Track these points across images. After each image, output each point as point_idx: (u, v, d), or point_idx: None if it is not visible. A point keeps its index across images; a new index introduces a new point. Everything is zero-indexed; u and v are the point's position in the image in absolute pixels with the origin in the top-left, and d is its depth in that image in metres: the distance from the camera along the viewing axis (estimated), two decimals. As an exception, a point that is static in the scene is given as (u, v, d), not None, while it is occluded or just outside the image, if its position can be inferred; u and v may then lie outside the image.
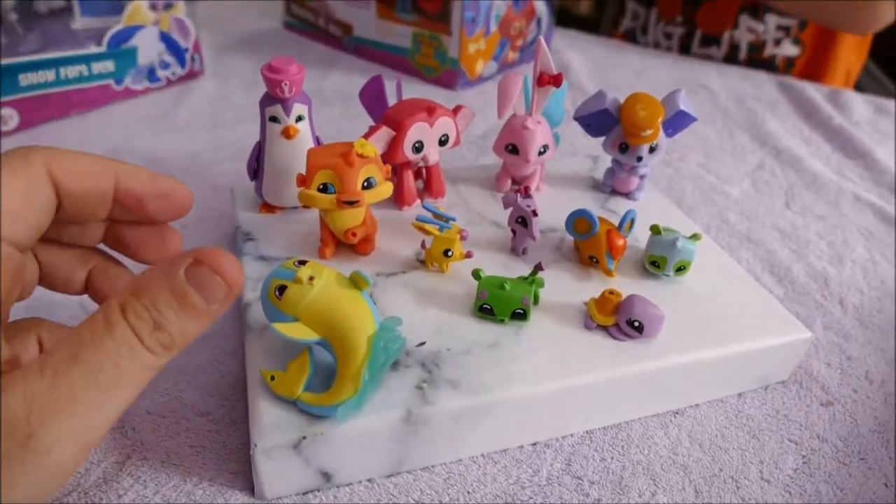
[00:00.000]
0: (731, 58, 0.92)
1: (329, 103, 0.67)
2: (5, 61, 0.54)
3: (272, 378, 0.29)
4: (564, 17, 0.87)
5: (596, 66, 0.82)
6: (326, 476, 0.30)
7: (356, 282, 0.29)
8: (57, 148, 0.24)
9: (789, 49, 0.91)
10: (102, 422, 0.21)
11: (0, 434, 0.19)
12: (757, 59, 0.91)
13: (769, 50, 0.91)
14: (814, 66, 0.93)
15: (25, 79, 0.56)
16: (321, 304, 0.28)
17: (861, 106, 0.76)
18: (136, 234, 0.28)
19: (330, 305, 0.28)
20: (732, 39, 0.91)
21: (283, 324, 0.28)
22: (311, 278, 0.28)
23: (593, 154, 0.54)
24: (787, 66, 0.92)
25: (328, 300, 0.28)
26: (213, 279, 0.22)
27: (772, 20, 0.89)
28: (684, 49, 0.95)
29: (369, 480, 0.31)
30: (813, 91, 0.78)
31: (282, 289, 0.28)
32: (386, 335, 0.29)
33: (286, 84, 0.37)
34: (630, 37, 1.03)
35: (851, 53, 0.95)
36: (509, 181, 0.47)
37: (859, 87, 0.99)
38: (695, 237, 0.38)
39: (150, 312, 0.21)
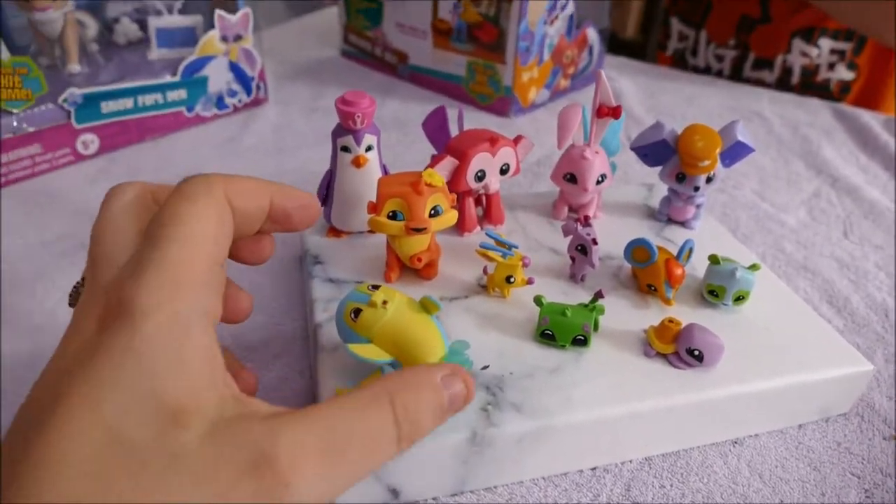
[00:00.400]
0: (783, 81, 0.91)
1: (386, 129, 0.69)
2: (89, 90, 0.58)
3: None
4: (611, 41, 0.88)
5: (646, 93, 0.83)
6: (394, 492, 0.31)
7: (426, 306, 0.30)
8: (226, 174, 0.26)
9: (844, 73, 0.89)
10: (340, 489, 0.22)
11: (255, 478, 0.20)
12: (811, 83, 0.90)
13: (823, 74, 0.90)
14: (871, 92, 0.91)
15: (106, 106, 0.60)
16: (394, 326, 0.30)
17: (920, 134, 0.74)
18: (248, 242, 0.30)
19: (402, 328, 0.30)
20: (785, 63, 0.91)
21: (358, 345, 0.30)
22: (385, 302, 0.30)
23: (647, 182, 0.55)
24: (842, 91, 0.91)
25: (400, 323, 0.30)
26: (461, 390, 0.26)
27: (825, 44, 0.88)
28: (736, 72, 0.95)
29: (434, 499, 0.32)
30: (869, 118, 0.77)
31: (357, 312, 0.30)
32: (455, 357, 0.30)
33: (359, 116, 0.39)
34: (679, 58, 1.03)
35: None
36: (566, 208, 0.48)
37: None
38: (754, 267, 0.39)
39: (415, 409, 0.24)
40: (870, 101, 0.91)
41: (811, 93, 0.90)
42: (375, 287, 0.31)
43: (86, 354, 0.21)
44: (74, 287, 0.30)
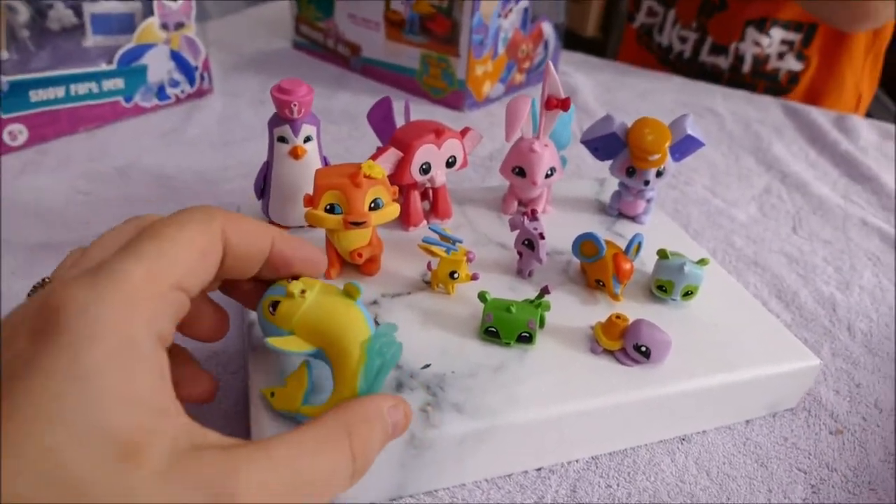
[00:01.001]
0: (735, 68, 0.93)
1: (336, 122, 0.68)
2: (16, 77, 0.55)
3: (272, 394, 0.29)
4: (570, 39, 0.88)
5: (602, 89, 0.83)
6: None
7: (349, 292, 0.29)
8: (229, 212, 0.26)
9: (792, 64, 0.91)
10: None
11: None
12: (761, 72, 0.92)
13: (773, 63, 0.91)
14: (820, 84, 0.93)
15: (35, 95, 0.57)
16: (313, 314, 0.28)
17: (867, 131, 0.76)
18: (247, 287, 0.30)
19: (322, 315, 0.28)
20: (738, 51, 0.92)
21: (277, 338, 0.28)
22: (304, 291, 0.28)
23: (599, 177, 0.54)
24: (790, 81, 0.92)
25: (320, 310, 0.28)
26: (401, 419, 0.26)
27: (777, 34, 0.89)
28: (695, 55, 0.96)
29: (372, 504, 0.31)
30: (819, 115, 0.78)
31: (275, 304, 0.28)
32: (381, 339, 0.28)
33: (295, 105, 0.37)
34: (645, 33, 1.03)
35: (861, 75, 0.95)
36: (516, 203, 0.47)
37: (869, 114, 0.99)
38: (702, 262, 0.38)
39: (367, 443, 0.24)
40: (817, 92, 0.92)
41: (760, 82, 0.92)
42: (295, 278, 0.29)
43: (21, 371, 0.18)
44: (34, 287, 0.29)
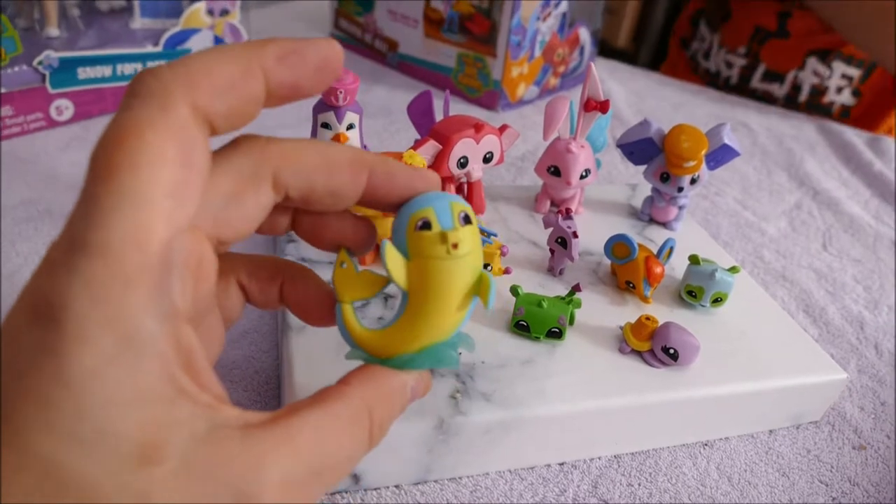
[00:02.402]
0: (791, 98, 0.92)
1: (372, 116, 0.69)
2: (65, 54, 0.56)
3: (343, 264, 0.24)
4: (603, 49, 0.88)
5: (635, 97, 0.83)
6: (355, 478, 0.30)
7: (482, 294, 0.24)
8: (192, 63, 0.18)
9: (847, 99, 0.91)
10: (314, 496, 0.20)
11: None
12: (817, 104, 0.92)
13: (829, 96, 0.91)
14: (867, 119, 0.93)
15: (83, 72, 0.58)
16: (441, 278, 0.23)
17: (902, 153, 0.75)
18: (332, 223, 0.25)
19: (450, 282, 0.23)
20: (796, 80, 0.92)
21: (395, 253, 0.23)
22: (456, 246, 0.23)
23: (631, 182, 0.55)
24: (842, 115, 0.92)
25: (452, 275, 0.23)
26: (422, 389, 0.25)
27: (838, 68, 0.89)
28: (744, 81, 0.96)
29: (397, 486, 0.31)
30: (853, 135, 0.78)
31: (426, 225, 0.23)
32: (447, 349, 0.24)
33: (341, 92, 0.38)
34: (693, 60, 1.03)
35: None
36: (548, 202, 0.47)
37: None
38: (733, 269, 0.38)
39: (385, 421, 0.23)
40: (865, 126, 0.93)
41: (814, 113, 0.92)
42: (467, 221, 0.23)
43: (12, 371, 0.16)
44: None
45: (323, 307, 0.25)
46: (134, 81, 0.18)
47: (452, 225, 0.23)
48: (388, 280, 0.23)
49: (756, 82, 0.95)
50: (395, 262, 0.23)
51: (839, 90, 0.91)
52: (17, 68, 0.54)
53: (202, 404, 0.18)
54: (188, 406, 0.18)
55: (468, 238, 0.23)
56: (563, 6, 0.72)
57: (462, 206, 0.23)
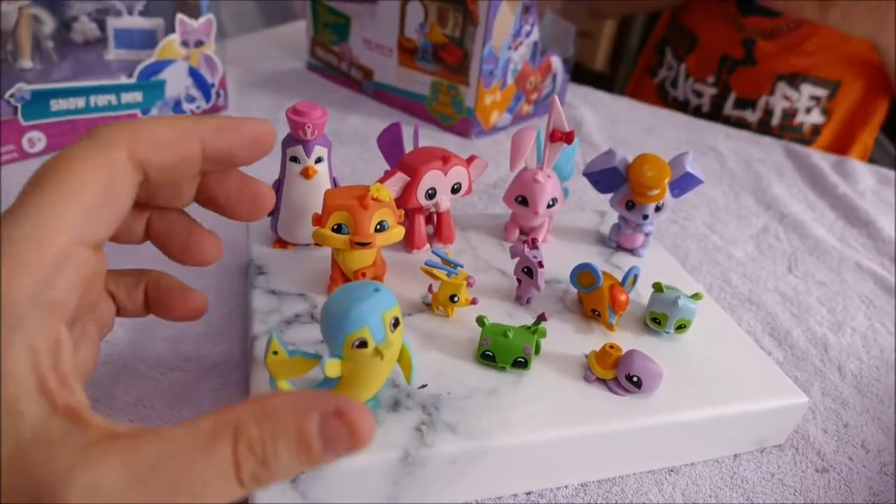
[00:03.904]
0: (764, 122, 0.96)
1: (346, 144, 0.69)
2: (38, 87, 0.57)
3: (275, 353, 0.28)
4: (580, 72, 0.91)
5: (608, 122, 0.84)
6: (321, 512, 0.30)
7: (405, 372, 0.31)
8: (138, 123, 0.22)
9: (816, 118, 0.94)
10: None
11: None
12: (788, 126, 0.95)
13: (799, 118, 0.94)
14: (838, 137, 0.96)
15: (56, 104, 0.58)
16: (371, 372, 0.29)
17: (866, 175, 0.77)
18: (228, 189, 0.28)
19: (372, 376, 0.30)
20: (768, 105, 0.95)
21: (334, 361, 0.28)
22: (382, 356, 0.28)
23: (601, 209, 0.56)
24: (813, 133, 0.95)
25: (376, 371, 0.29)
26: (344, 435, 0.21)
27: (806, 90, 0.93)
28: (716, 109, 0.98)
29: (363, 519, 0.31)
30: (819, 158, 0.80)
31: (363, 344, 0.27)
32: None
33: (309, 127, 0.38)
34: (660, 87, 1.06)
35: (871, 127, 0.98)
36: (517, 231, 0.48)
37: (871, 158, 1.02)
38: (696, 296, 0.39)
39: (264, 448, 0.20)
40: (835, 145, 0.96)
41: (787, 134, 0.95)
42: (395, 325, 0.28)
43: None
44: None
45: (181, 305, 0.30)
46: (91, 128, 0.22)
47: (385, 337, 0.28)
48: (316, 362, 0.28)
49: (729, 110, 0.98)
50: (333, 370, 0.28)
51: (808, 111, 0.94)
52: (-12, 101, 0.54)
53: (65, 405, 0.19)
54: (44, 404, 0.18)
55: (396, 340, 0.29)
56: (535, 35, 0.73)
57: (392, 311, 0.28)
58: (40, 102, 0.57)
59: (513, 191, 0.45)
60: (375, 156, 0.67)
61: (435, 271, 0.37)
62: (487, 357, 0.35)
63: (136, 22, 0.62)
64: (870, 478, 0.38)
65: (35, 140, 0.58)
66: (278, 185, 0.42)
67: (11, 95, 0.55)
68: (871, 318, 0.53)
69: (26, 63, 0.57)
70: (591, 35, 2.25)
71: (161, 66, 0.63)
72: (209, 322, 0.42)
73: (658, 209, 0.45)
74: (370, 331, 0.27)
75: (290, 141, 0.40)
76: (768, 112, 0.96)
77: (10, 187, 0.54)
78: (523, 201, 0.45)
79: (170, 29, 0.63)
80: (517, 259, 0.40)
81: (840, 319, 0.52)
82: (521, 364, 0.35)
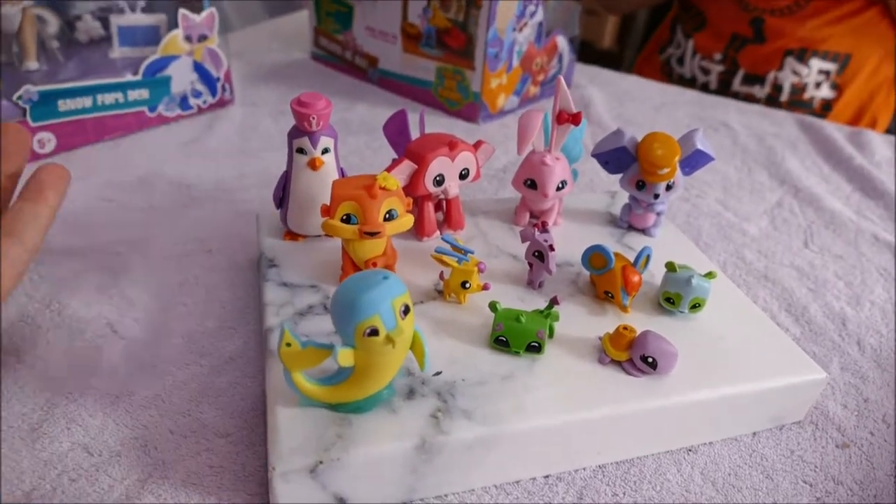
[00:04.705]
0: (772, 97, 0.94)
1: (354, 133, 0.69)
2: (45, 87, 0.57)
3: (288, 344, 0.28)
4: (586, 51, 0.90)
5: (616, 101, 0.83)
6: (341, 501, 0.30)
7: (418, 359, 0.31)
8: None
9: (826, 92, 0.93)
10: None
11: None
12: (798, 101, 0.94)
13: (809, 92, 0.93)
14: (849, 111, 0.95)
15: (64, 104, 0.59)
16: (383, 360, 0.29)
17: (882, 146, 0.76)
18: None
19: (385, 364, 0.30)
20: (776, 80, 0.94)
21: (346, 350, 0.28)
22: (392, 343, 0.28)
23: (611, 190, 0.55)
24: (824, 108, 0.94)
25: (389, 359, 0.30)
26: None
27: (815, 64, 0.92)
28: (724, 86, 0.97)
29: (382, 507, 0.32)
30: (834, 130, 0.78)
31: (374, 332, 0.27)
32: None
33: (314, 118, 0.38)
34: (667, 65, 1.05)
35: (884, 102, 0.97)
36: (527, 215, 0.47)
37: (890, 131, 1.01)
38: (710, 275, 0.39)
39: None
40: (850, 121, 0.95)
41: (797, 109, 0.93)
42: (406, 312, 0.28)
43: None
44: None
45: None
46: None
47: (395, 324, 0.28)
48: (329, 353, 0.28)
49: (737, 86, 0.97)
50: (346, 359, 0.28)
51: (818, 85, 0.93)
52: (-4, 104, 0.54)
53: None
54: None
55: (408, 327, 0.29)
56: (539, 16, 0.72)
57: (402, 298, 0.28)
58: (48, 103, 0.57)
59: (521, 174, 0.45)
60: (383, 144, 0.66)
61: (445, 258, 0.37)
62: (501, 342, 0.35)
63: (138, 19, 0.62)
64: (891, 451, 0.38)
65: (45, 141, 0.59)
66: (286, 178, 0.42)
67: (19, 97, 0.55)
68: (890, 291, 0.52)
69: (32, 64, 0.58)
70: (597, 13, 2.22)
71: (166, 62, 0.63)
72: (223, 317, 0.42)
73: (669, 188, 0.45)
74: (381, 318, 0.27)
75: (295, 132, 0.40)
76: (777, 87, 0.95)
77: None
78: (532, 185, 0.44)
79: (172, 24, 0.63)
80: (528, 243, 0.40)
81: (858, 293, 0.51)
82: (535, 348, 0.35)
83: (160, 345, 0.40)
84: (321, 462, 0.29)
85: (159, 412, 0.35)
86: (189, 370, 0.38)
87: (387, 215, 0.36)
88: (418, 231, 0.44)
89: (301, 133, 0.39)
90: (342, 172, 0.43)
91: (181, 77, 0.65)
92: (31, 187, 0.35)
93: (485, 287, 0.38)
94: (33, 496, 0.30)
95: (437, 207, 0.46)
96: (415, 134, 0.44)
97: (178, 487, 0.31)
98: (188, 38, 0.64)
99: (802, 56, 0.92)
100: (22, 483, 0.31)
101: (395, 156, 0.46)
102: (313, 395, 0.30)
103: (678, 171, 0.44)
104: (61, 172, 0.36)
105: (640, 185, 0.45)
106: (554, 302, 0.36)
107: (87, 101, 0.60)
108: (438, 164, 0.41)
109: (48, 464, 0.32)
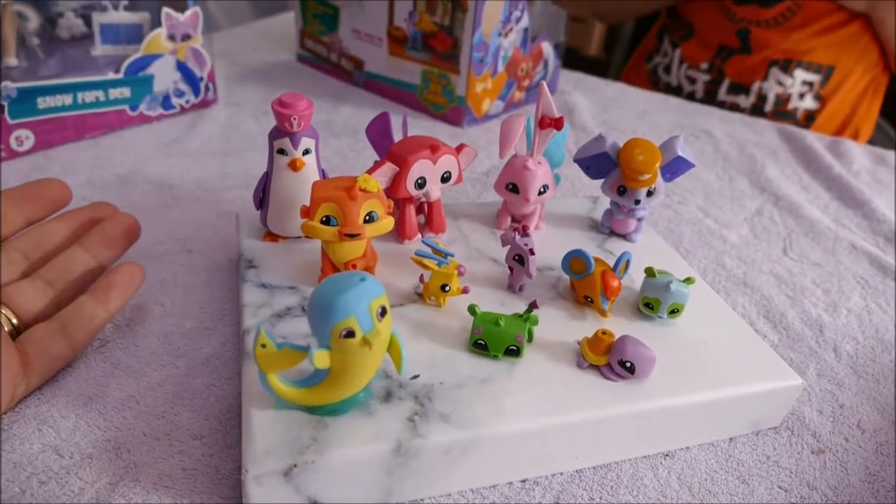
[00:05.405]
0: (757, 107, 0.96)
1: (337, 135, 0.69)
2: (25, 84, 0.56)
3: (263, 346, 0.28)
4: (573, 58, 0.90)
5: (600, 108, 0.84)
6: (314, 503, 0.30)
7: (395, 362, 0.31)
8: None
9: (809, 103, 0.94)
10: None
11: None
12: (782, 112, 0.95)
13: (793, 103, 0.94)
14: (834, 124, 0.97)
15: (43, 102, 0.58)
16: (360, 362, 0.29)
17: (860, 156, 0.77)
18: None
19: (362, 366, 0.29)
20: (761, 90, 0.95)
21: (322, 352, 0.28)
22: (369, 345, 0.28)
23: (593, 195, 0.55)
24: (807, 119, 0.95)
25: (365, 361, 0.29)
26: None
27: (799, 75, 0.93)
28: (710, 95, 0.98)
29: (358, 511, 0.31)
30: (813, 139, 0.79)
31: (350, 334, 0.27)
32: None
33: (295, 118, 0.38)
34: (652, 72, 1.06)
35: (866, 113, 0.98)
36: (509, 219, 0.47)
37: (871, 141, 1.03)
38: (688, 281, 0.39)
39: None
40: (833, 132, 0.96)
41: (781, 120, 0.95)
42: (383, 314, 0.28)
43: None
44: None
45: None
46: None
47: (372, 326, 0.28)
48: (305, 354, 0.28)
49: (723, 95, 0.98)
50: (322, 361, 0.28)
51: (801, 96, 0.94)
52: (-26, 100, 0.54)
53: None
54: None
55: (384, 329, 0.28)
56: (525, 21, 0.73)
57: (379, 300, 0.28)
58: (27, 100, 0.57)
59: (503, 178, 0.45)
60: (367, 146, 0.66)
61: (425, 261, 0.37)
62: (480, 346, 0.35)
63: (121, 17, 0.62)
64: (865, 458, 0.38)
65: (23, 138, 0.58)
66: (266, 178, 0.41)
67: (-3, 93, 0.55)
68: (867, 299, 0.53)
69: (11, 60, 0.57)
70: (584, 21, 2.24)
71: (148, 60, 0.63)
72: (201, 317, 0.42)
73: (650, 194, 0.45)
74: (357, 320, 0.27)
75: (276, 133, 0.40)
76: (762, 97, 0.96)
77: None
78: (514, 189, 0.44)
79: (156, 23, 0.62)
80: (508, 247, 0.40)
81: (835, 300, 0.52)
82: (514, 352, 0.35)
83: (136, 345, 0.39)
84: (295, 465, 0.28)
85: (133, 414, 0.35)
86: (164, 371, 0.38)
87: (367, 217, 0.36)
88: (399, 234, 0.44)
89: (282, 134, 0.39)
90: (323, 174, 0.43)
91: (164, 76, 0.65)
92: (101, 285, 0.37)
93: (464, 290, 0.38)
94: (2, 499, 0.30)
95: (419, 210, 0.46)
96: (398, 137, 0.44)
97: (149, 490, 0.31)
98: (171, 37, 0.63)
99: (787, 67, 0.93)
100: (-10, 485, 0.30)
101: (378, 158, 0.46)
102: (288, 397, 0.30)
103: (659, 177, 0.44)
104: (135, 273, 0.38)
105: (622, 191, 0.45)
106: (533, 306, 0.36)
107: (67, 99, 0.59)
108: (420, 167, 0.41)
109: (18, 466, 0.31)
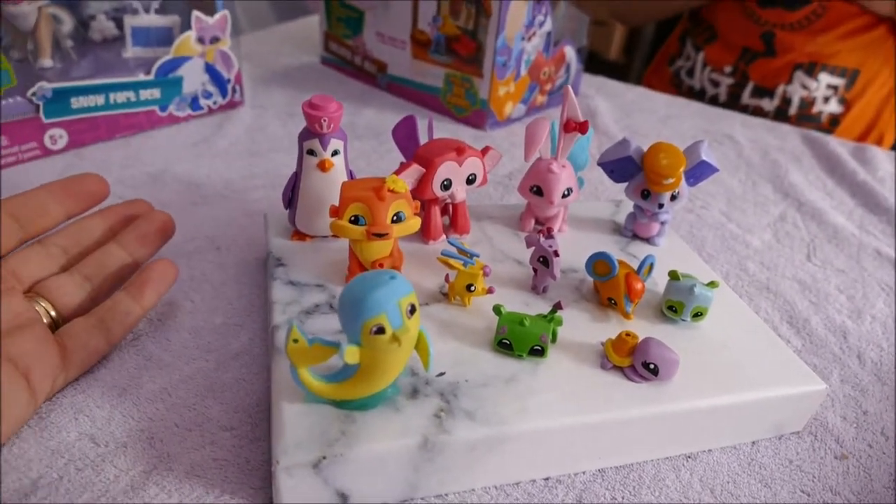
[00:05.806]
0: (781, 111, 0.95)
1: (361, 138, 0.70)
2: (59, 85, 0.58)
3: (295, 340, 0.29)
4: (594, 62, 0.91)
5: (622, 112, 0.84)
6: (343, 497, 0.31)
7: (422, 359, 0.32)
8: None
9: (834, 107, 0.94)
10: None
11: None
12: (806, 115, 0.94)
13: (817, 107, 0.94)
14: (857, 127, 0.96)
15: (77, 102, 0.59)
16: (389, 358, 0.30)
17: (886, 162, 0.76)
18: None
19: (391, 362, 0.30)
20: (786, 94, 0.94)
21: (353, 348, 0.28)
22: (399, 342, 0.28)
23: (616, 199, 0.56)
24: (832, 123, 0.95)
25: (394, 358, 0.30)
26: None
27: (824, 79, 0.92)
28: (733, 98, 0.98)
29: (384, 505, 0.32)
30: (837, 145, 0.79)
31: (381, 330, 0.28)
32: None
33: (325, 120, 0.39)
34: (676, 77, 1.06)
35: (891, 116, 0.98)
36: (533, 221, 0.48)
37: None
38: (712, 284, 0.39)
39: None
40: (857, 137, 0.96)
41: (805, 124, 0.94)
42: (412, 312, 0.29)
43: None
44: None
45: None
46: None
47: (402, 323, 0.28)
48: (336, 350, 0.29)
49: (746, 98, 0.97)
50: (352, 356, 0.28)
51: (826, 100, 0.94)
52: (11, 100, 0.55)
53: None
54: None
55: (413, 326, 0.29)
56: (548, 25, 0.73)
57: (408, 298, 0.29)
58: (61, 100, 0.58)
59: (527, 181, 0.45)
60: (390, 148, 0.67)
61: (451, 261, 0.38)
62: (504, 345, 0.35)
63: (152, 20, 0.63)
64: (889, 464, 0.38)
65: (57, 137, 0.59)
66: (295, 179, 0.42)
67: (33, 94, 0.56)
68: (891, 306, 0.52)
69: (46, 62, 0.58)
70: (606, 24, 2.23)
71: (178, 62, 0.64)
72: (230, 313, 0.43)
73: (673, 198, 0.45)
74: (387, 317, 0.28)
75: (306, 134, 0.40)
76: (786, 101, 0.95)
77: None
78: (538, 191, 0.45)
79: (185, 26, 0.64)
80: (533, 249, 0.40)
81: (859, 307, 0.52)
82: (538, 352, 0.35)
83: (168, 339, 0.40)
84: (324, 457, 0.29)
85: (165, 405, 0.36)
86: (195, 365, 0.38)
87: (394, 217, 0.37)
88: (424, 234, 0.44)
89: (311, 135, 0.40)
90: (351, 175, 0.43)
91: (193, 78, 0.66)
92: (136, 281, 0.38)
93: (489, 291, 0.38)
94: (40, 484, 0.31)
95: (444, 212, 0.46)
96: (423, 139, 0.45)
97: (182, 479, 0.32)
98: (200, 40, 0.65)
99: (812, 70, 0.93)
100: (29, 471, 0.31)
101: (403, 160, 0.47)
102: (318, 392, 0.30)
103: (683, 182, 0.45)
104: (168, 270, 0.39)
105: (645, 195, 0.45)
106: (557, 307, 0.37)
107: (99, 99, 0.61)
108: (446, 169, 0.42)
109: (55, 453, 0.32)
